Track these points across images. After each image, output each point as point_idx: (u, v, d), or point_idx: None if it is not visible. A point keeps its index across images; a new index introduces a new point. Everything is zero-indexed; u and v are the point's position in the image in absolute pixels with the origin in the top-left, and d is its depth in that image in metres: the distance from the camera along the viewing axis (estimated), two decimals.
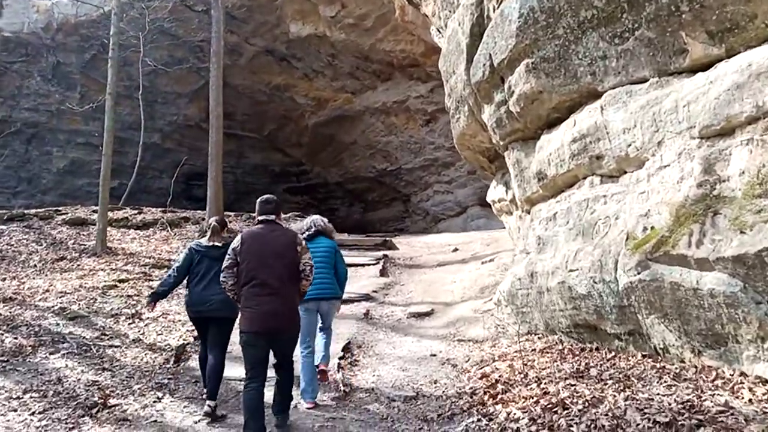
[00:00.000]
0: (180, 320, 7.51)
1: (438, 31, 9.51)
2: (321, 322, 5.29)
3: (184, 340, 6.87)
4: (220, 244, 5.23)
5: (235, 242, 4.31)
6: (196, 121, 25.26)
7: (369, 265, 10.50)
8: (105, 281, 9.28)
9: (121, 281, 9.30)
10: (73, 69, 23.47)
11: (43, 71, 23.39)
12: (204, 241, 5.36)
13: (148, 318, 7.67)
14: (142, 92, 23.68)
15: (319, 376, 5.01)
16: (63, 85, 23.71)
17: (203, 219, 13.90)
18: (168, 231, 13.49)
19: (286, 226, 4.79)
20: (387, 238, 12.93)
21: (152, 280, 9.36)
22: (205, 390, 4.94)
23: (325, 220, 5.61)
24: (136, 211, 14.77)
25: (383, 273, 9.73)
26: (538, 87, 5.27)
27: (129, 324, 7.48)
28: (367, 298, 8.45)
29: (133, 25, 19.92)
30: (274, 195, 4.76)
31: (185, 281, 5.25)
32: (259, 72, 22.98)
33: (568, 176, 5.20)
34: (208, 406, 4.69)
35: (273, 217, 4.39)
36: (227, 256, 4.27)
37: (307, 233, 5.35)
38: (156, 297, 5.37)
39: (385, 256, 10.90)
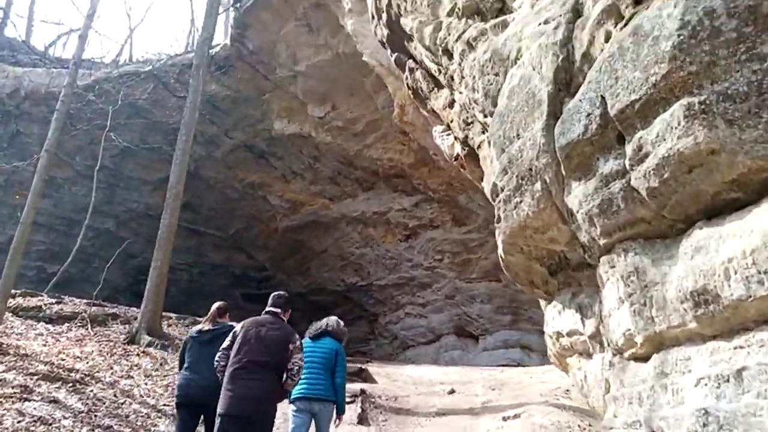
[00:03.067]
0: None
1: (466, 109, 7.43)
2: (316, 430, 4.84)
3: None
4: (210, 328, 5.10)
5: (238, 326, 4.36)
6: (158, 212, 22.40)
7: None
8: None
9: None
10: (32, 140, 20.80)
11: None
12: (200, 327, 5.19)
13: None
14: (104, 174, 21.14)
15: None
16: (18, 156, 20.90)
17: (135, 318, 10.77)
18: (87, 329, 10.27)
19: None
20: (362, 366, 9.95)
21: (30, 401, 6.15)
22: None
23: (341, 322, 5.36)
24: (54, 300, 11.54)
25: (362, 420, 6.67)
26: (708, 144, 2.92)
27: None
28: None
29: (104, 98, 17.72)
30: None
31: None
32: (234, 167, 20.74)
33: None
34: None
35: (279, 311, 4.47)
36: (227, 339, 4.30)
37: (314, 332, 5.19)
38: None
39: (363, 392, 7.93)
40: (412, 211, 17.97)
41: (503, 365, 15.13)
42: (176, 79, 18.71)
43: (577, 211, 3.87)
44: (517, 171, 4.41)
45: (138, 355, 9.31)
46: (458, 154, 10.37)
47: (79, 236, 16.87)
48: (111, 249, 23.59)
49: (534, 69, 4.37)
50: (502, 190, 4.70)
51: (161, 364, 8.90)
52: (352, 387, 8.29)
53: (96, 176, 18.63)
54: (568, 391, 7.23)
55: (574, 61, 4.15)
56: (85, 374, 7.58)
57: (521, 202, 4.40)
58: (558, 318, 4.69)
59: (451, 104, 9.55)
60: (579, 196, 3.82)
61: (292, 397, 4.77)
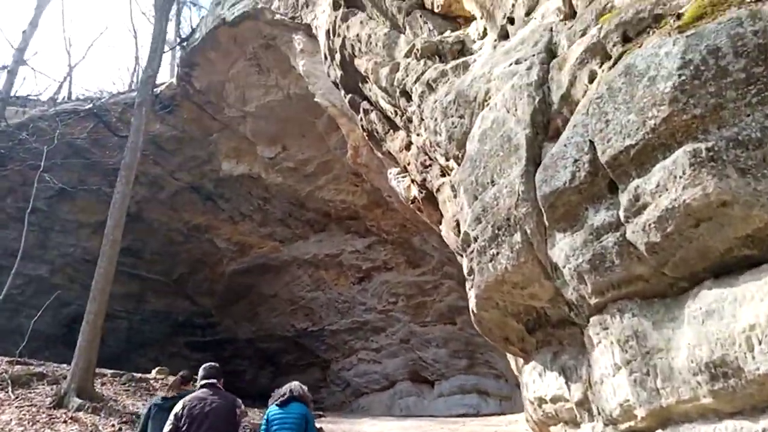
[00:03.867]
0: None
1: (426, 154, 7.09)
2: None
3: None
4: (175, 395, 5.13)
5: (177, 407, 4.32)
6: (96, 257, 21.05)
7: None
8: None
9: None
10: None
11: None
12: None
13: None
14: (38, 217, 19.69)
15: None
16: None
17: (64, 378, 9.66)
18: (8, 392, 9.10)
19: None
20: (317, 426, 9.16)
21: None
22: None
23: (305, 387, 5.42)
24: None
25: None
26: (719, 195, 2.58)
27: None
28: None
29: (38, 137, 16.56)
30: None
31: None
32: (179, 209, 19.74)
33: None
34: None
35: (214, 380, 4.52)
36: (168, 421, 4.28)
37: (280, 399, 5.16)
38: None
39: None
40: (365, 253, 17.46)
41: (462, 414, 14.57)
42: (118, 118, 17.80)
43: (564, 266, 3.46)
44: (493, 220, 4.00)
45: (65, 422, 8.26)
46: (415, 197, 10.00)
47: (7, 285, 15.30)
48: (43, 297, 21.79)
49: (508, 111, 4.02)
50: (475, 240, 4.27)
51: None
52: None
53: (27, 219, 17.24)
54: None
55: (552, 103, 3.83)
56: None
57: (498, 254, 3.97)
58: (539, 381, 4.23)
59: (408, 146, 9.22)
60: (565, 249, 3.42)
61: None
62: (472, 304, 4.65)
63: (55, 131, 16.74)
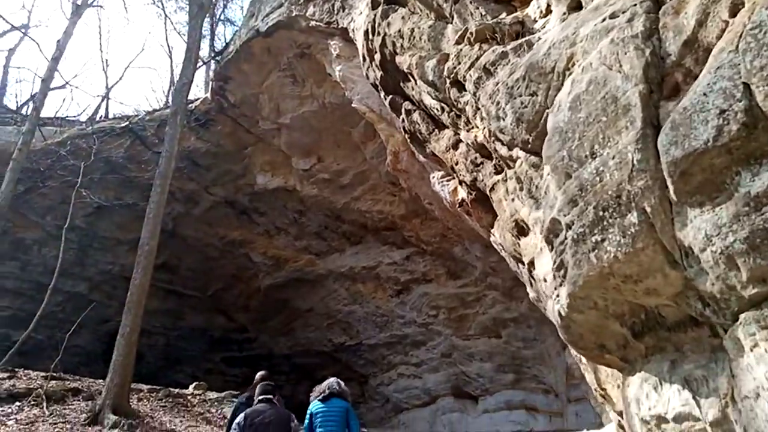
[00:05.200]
0: None
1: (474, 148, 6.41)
2: None
3: None
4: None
5: (239, 417, 4.74)
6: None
7: None
8: None
9: None
10: None
11: None
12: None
13: None
14: (76, 234, 19.58)
15: None
16: None
17: (100, 393, 9.12)
18: (42, 408, 8.60)
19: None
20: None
21: None
22: None
23: (342, 383, 5.61)
24: (6, 375, 9.81)
25: None
26: None
27: None
28: None
29: (76, 155, 16.41)
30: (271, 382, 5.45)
31: None
32: (214, 224, 19.37)
33: None
34: None
35: (271, 397, 4.91)
36: (232, 429, 4.75)
37: (322, 395, 5.32)
38: None
39: None
40: (403, 265, 16.72)
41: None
42: (154, 134, 17.58)
43: (703, 250, 2.70)
44: (596, 200, 3.26)
45: None
46: (463, 200, 9.27)
47: (44, 301, 15.03)
48: (82, 314, 21.74)
49: (611, 68, 3.30)
50: (569, 227, 3.53)
51: None
52: None
53: (65, 236, 17.04)
54: None
55: (666, 56, 3.10)
56: None
57: (603, 241, 3.22)
58: (654, 396, 3.44)
59: (456, 145, 8.52)
60: (705, 228, 2.66)
61: None
62: (560, 305, 3.88)
63: (92, 148, 16.58)
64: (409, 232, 15.86)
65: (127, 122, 18.07)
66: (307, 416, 5.26)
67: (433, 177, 10.53)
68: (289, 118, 15.42)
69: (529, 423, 14.71)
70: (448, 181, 10.05)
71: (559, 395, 14.32)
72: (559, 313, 3.97)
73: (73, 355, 20.76)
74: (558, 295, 3.93)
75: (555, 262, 3.85)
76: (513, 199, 6.91)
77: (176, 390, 11.69)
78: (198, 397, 11.80)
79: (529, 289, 9.55)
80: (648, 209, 2.94)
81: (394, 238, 16.52)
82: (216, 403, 11.63)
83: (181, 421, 9.58)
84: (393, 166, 12.00)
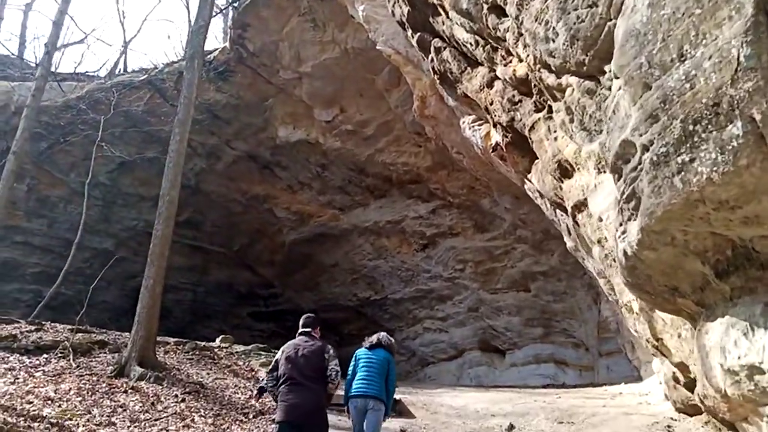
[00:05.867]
0: None
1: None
2: (366, 425, 5.11)
3: None
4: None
5: (278, 354, 4.81)
6: None
7: None
8: None
9: None
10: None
11: None
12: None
13: None
14: (100, 191, 19.47)
15: None
16: None
17: (126, 346, 8.97)
18: (69, 360, 8.47)
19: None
20: (395, 397, 8.15)
21: None
22: None
23: (391, 339, 5.84)
24: (33, 328, 9.71)
25: None
26: None
27: None
28: None
29: (96, 109, 16.06)
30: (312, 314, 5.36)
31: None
32: (237, 179, 19.04)
33: None
34: None
35: (310, 329, 4.88)
36: (272, 364, 4.84)
37: (370, 344, 5.63)
38: None
39: None
40: (429, 219, 16.23)
41: (547, 385, 13.29)
42: (173, 87, 17.08)
43: None
44: (684, 112, 2.68)
45: (126, 392, 7.53)
46: (497, 144, 8.66)
47: (69, 256, 14.95)
48: (110, 270, 21.86)
49: None
50: (646, 148, 2.96)
51: (153, 404, 7.12)
52: (388, 425, 6.52)
53: (89, 192, 16.89)
54: (670, 427, 5.46)
55: None
56: (53, 423, 5.80)
57: (693, 161, 2.66)
58: (744, 343, 2.93)
59: (491, 83, 7.86)
60: None
61: (350, 394, 5.27)
62: (627, 242, 3.35)
63: (111, 102, 16.20)
64: (435, 184, 15.29)
65: (146, 75, 17.61)
66: (353, 359, 5.55)
67: (464, 122, 9.91)
68: (311, 67, 14.75)
69: (558, 377, 14.38)
70: (479, 125, 9.41)
71: (590, 349, 13.91)
72: (625, 253, 3.45)
73: (101, 311, 20.98)
74: (625, 232, 3.39)
75: (623, 194, 3.29)
76: (556, 138, 6.30)
77: (203, 343, 11.55)
78: (225, 350, 11.67)
79: (566, 238, 8.99)
80: (757, 117, 2.36)
81: (419, 191, 15.98)
82: (243, 356, 11.48)
83: (208, 374, 9.42)
84: (420, 112, 11.35)
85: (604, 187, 4.38)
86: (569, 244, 8.90)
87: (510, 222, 14.22)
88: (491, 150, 8.67)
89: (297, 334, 4.90)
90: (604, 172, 4.48)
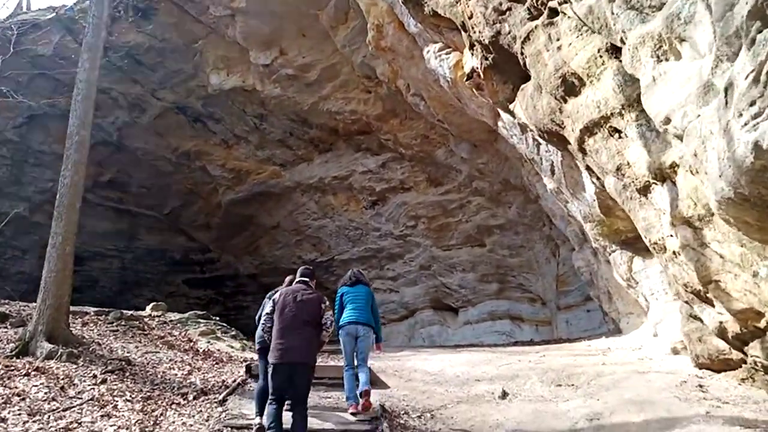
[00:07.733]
0: None
1: None
2: (357, 353, 5.52)
3: None
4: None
5: (276, 294, 4.89)
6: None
7: None
8: None
9: None
10: None
11: None
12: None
13: None
14: (9, 149, 16.84)
15: (362, 401, 5.17)
16: None
17: (30, 317, 7.19)
18: None
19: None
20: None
21: None
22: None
23: (363, 272, 6.35)
24: None
25: None
26: None
27: None
28: None
29: None
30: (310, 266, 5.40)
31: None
32: (165, 134, 16.89)
33: None
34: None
35: (307, 279, 4.95)
36: (268, 306, 4.91)
37: (349, 281, 5.94)
38: None
39: (384, 411, 5.03)
40: (379, 173, 14.93)
41: (515, 342, 12.50)
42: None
43: None
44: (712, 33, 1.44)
45: (27, 374, 5.89)
46: (473, 70, 7.38)
47: None
48: (25, 238, 19.22)
49: None
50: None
51: (63, 388, 5.54)
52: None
53: None
54: (701, 386, 4.56)
55: None
56: None
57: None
58: None
59: None
60: None
61: (341, 323, 5.59)
62: (762, 132, 2.17)
63: (11, 41, 13.59)
64: (386, 134, 13.94)
65: (54, 13, 14.98)
66: (338, 296, 5.82)
67: (428, 51, 8.53)
68: (245, 1, 12.81)
69: (514, 333, 13.71)
70: (447, 54, 8.07)
71: (547, 303, 13.27)
72: (757, 147, 2.26)
73: (17, 282, 18.48)
74: (758, 116, 2.20)
75: (754, 73, 2.08)
76: (560, 47, 5.08)
77: (129, 312, 9.87)
78: (157, 319, 10.04)
79: (547, 179, 7.89)
80: None
81: (368, 143, 14.59)
82: (179, 325, 9.91)
83: (136, 347, 7.85)
84: (375, 44, 9.88)
85: (673, 76, 3.22)
86: (550, 185, 7.89)
87: (466, 173, 13.15)
88: (465, 79, 7.39)
89: (294, 283, 4.94)
90: (666, 59, 3.29)
